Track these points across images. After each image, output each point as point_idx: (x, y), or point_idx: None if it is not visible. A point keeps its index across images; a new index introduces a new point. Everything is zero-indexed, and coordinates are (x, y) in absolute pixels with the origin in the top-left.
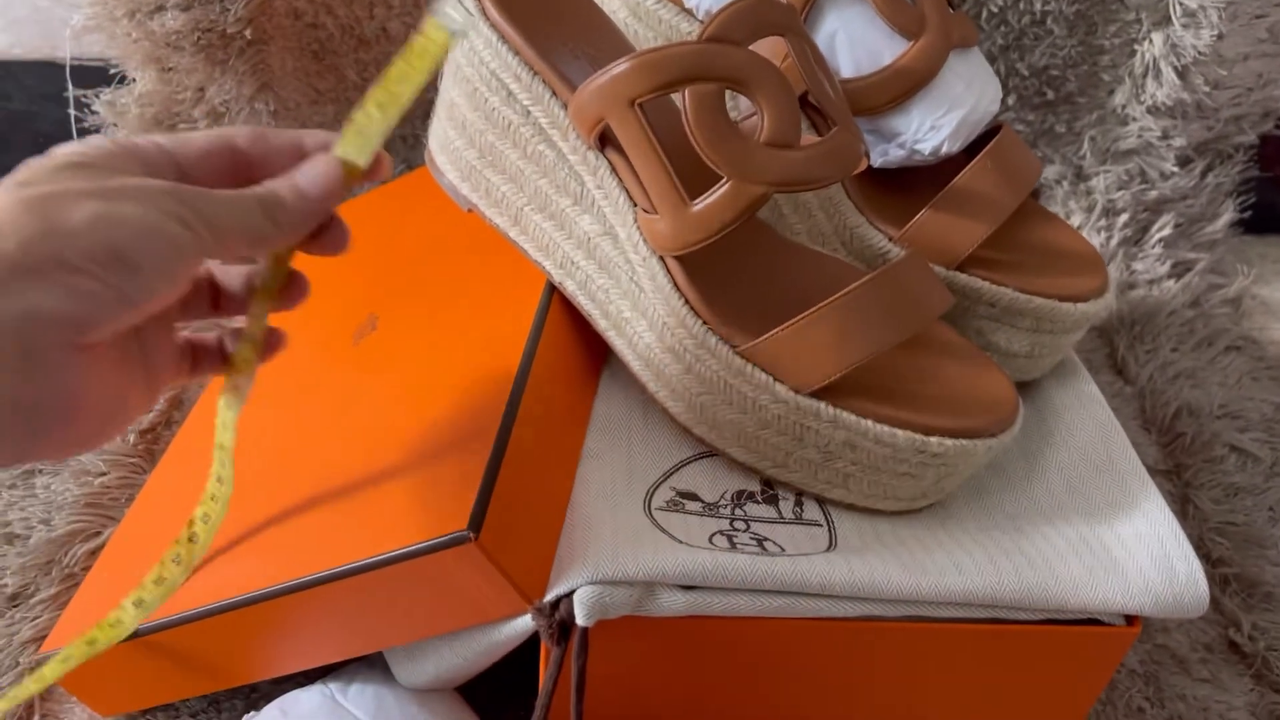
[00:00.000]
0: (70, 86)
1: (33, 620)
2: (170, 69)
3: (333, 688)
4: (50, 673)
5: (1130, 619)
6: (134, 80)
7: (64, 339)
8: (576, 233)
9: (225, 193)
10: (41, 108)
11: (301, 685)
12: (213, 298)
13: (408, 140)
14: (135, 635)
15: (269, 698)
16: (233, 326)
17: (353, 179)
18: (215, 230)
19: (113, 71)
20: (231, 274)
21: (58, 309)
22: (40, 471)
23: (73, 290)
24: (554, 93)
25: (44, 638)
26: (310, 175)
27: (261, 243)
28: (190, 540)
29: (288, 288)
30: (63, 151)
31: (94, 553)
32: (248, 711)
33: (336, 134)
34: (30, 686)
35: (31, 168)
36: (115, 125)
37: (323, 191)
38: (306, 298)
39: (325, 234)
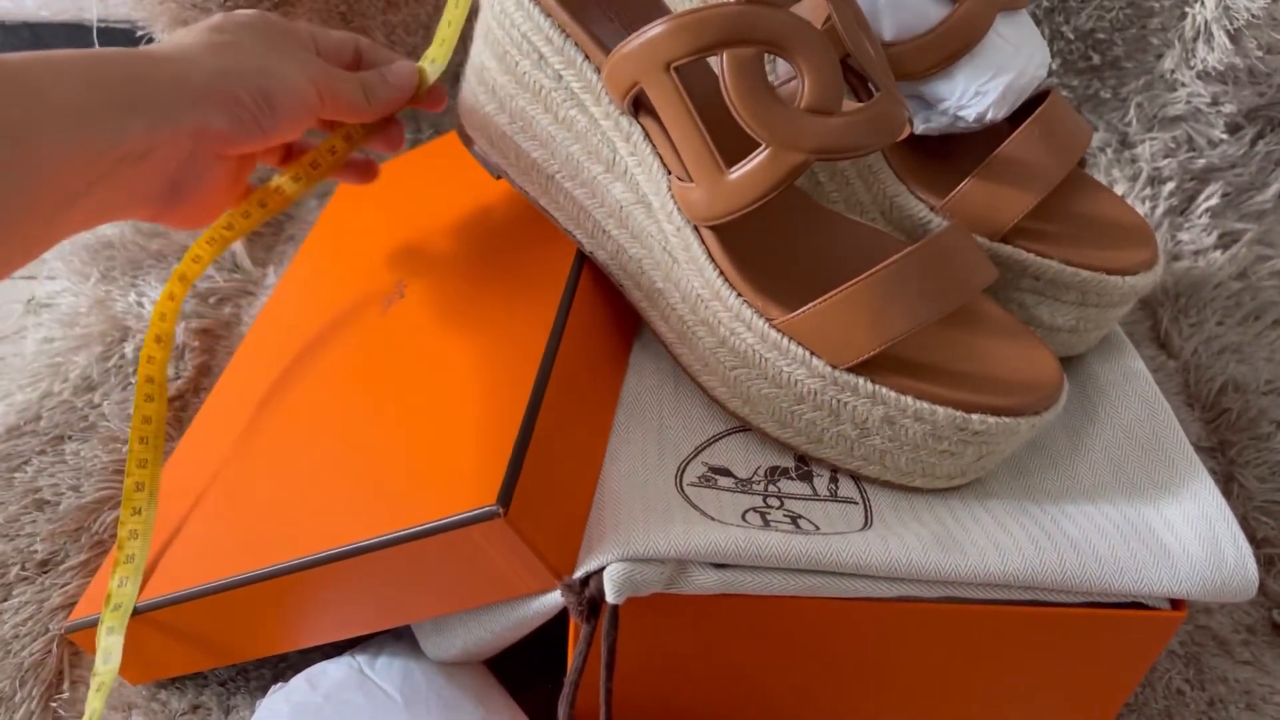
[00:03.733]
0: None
1: (62, 587)
2: None
3: (360, 660)
4: (107, 675)
5: (1176, 603)
6: (160, 42)
7: (216, 148)
8: (608, 201)
9: (342, 70)
10: None
11: (329, 656)
12: (284, 154)
13: None
14: (165, 605)
15: (297, 668)
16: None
17: (421, 88)
18: (333, 97)
19: (139, 34)
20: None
21: (220, 127)
22: (69, 438)
23: (233, 116)
24: (587, 56)
25: (73, 605)
26: (396, 71)
27: (355, 113)
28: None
29: (356, 168)
30: (244, 14)
31: None
32: (275, 681)
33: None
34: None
35: (222, 21)
36: None
37: (404, 84)
38: (372, 179)
39: (389, 128)
